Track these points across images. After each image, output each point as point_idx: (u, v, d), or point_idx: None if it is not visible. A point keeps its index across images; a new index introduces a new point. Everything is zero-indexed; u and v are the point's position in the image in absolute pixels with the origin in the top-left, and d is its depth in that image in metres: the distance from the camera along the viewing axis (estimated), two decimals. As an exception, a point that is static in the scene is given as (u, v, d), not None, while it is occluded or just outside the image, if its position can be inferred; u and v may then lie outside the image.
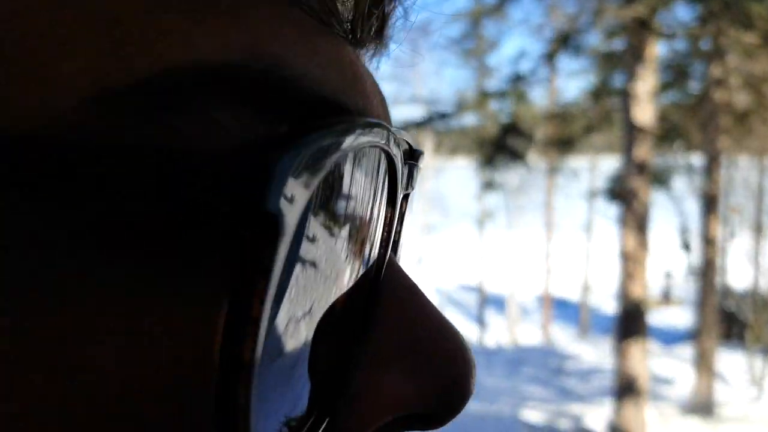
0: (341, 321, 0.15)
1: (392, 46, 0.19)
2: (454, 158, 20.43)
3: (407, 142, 0.18)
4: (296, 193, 0.11)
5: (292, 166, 0.11)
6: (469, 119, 8.72)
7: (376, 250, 0.16)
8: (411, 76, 17.93)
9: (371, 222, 0.15)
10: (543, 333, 18.59)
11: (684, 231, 9.85)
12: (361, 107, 0.15)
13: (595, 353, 13.89)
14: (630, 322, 6.85)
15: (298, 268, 0.13)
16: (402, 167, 0.16)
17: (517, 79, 7.32)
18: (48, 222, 0.11)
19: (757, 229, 12.70)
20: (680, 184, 10.92)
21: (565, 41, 7.16)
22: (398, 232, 0.17)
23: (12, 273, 0.11)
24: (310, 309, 0.14)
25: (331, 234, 0.14)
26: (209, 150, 0.11)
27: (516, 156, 7.48)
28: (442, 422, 0.16)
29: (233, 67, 0.12)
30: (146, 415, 0.12)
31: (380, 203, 0.16)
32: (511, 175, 15.91)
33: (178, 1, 0.12)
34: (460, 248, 26.13)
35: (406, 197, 0.17)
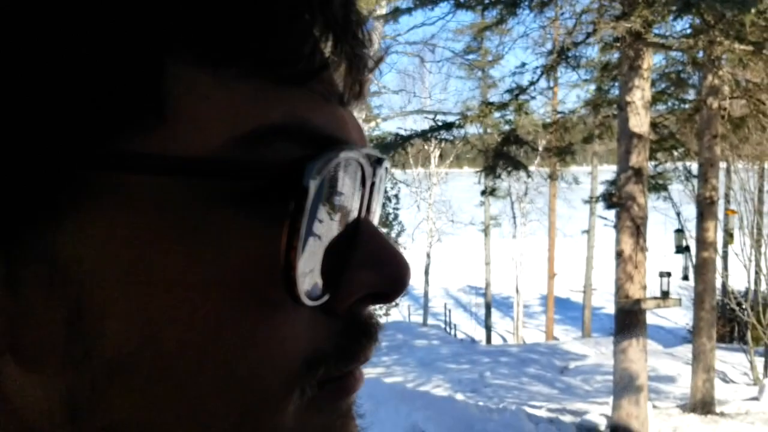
0: (339, 243, 0.28)
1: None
2: (460, 167, 20.49)
3: (373, 155, 0.31)
4: (316, 180, 0.25)
5: (314, 167, 0.25)
6: (474, 129, 8.93)
7: (356, 211, 0.30)
8: (418, 88, 18.20)
9: (353, 195, 0.29)
10: (547, 333, 18.85)
11: (680, 234, 10.01)
12: (345, 139, 0.29)
13: (597, 352, 13.93)
14: (628, 322, 6.99)
15: (318, 213, 0.27)
16: (368, 168, 0.29)
17: (519, 90, 7.45)
18: (214, 197, 0.25)
19: (755, 231, 12.91)
20: (678, 188, 11.14)
21: (563, 54, 7.32)
22: (368, 202, 0.30)
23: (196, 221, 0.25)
24: (325, 234, 0.28)
25: (334, 199, 0.28)
26: (279, 162, 0.26)
27: (517, 164, 7.66)
28: (392, 299, 0.30)
29: (287, 124, 0.26)
30: (247, 284, 0.25)
31: (357, 187, 0.29)
32: (514, 183, 16.07)
33: (259, 91, 0.26)
34: (467, 252, 26.20)
35: (372, 184, 0.31)
